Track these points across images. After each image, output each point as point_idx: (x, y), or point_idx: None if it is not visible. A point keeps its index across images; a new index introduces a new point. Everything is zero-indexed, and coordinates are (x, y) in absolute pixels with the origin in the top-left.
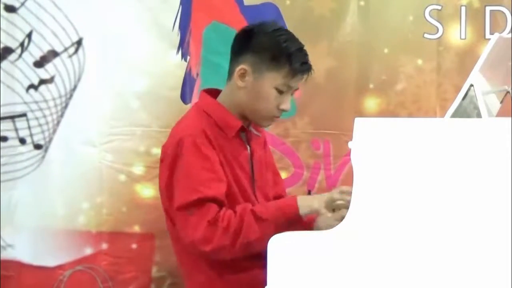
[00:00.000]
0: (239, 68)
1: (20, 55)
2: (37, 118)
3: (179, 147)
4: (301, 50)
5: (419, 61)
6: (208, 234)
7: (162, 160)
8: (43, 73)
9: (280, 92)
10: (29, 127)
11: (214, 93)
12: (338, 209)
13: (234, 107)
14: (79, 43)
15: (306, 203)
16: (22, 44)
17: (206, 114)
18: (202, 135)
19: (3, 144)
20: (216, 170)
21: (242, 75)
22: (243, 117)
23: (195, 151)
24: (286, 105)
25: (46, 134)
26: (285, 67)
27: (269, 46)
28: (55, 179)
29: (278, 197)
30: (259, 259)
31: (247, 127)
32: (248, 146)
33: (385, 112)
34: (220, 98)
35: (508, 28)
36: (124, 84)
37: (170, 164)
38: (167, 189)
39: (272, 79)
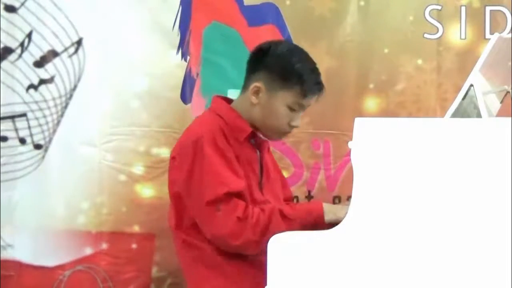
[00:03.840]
0: (253, 85)
1: (20, 55)
2: (37, 118)
3: (199, 143)
4: (313, 70)
5: (419, 61)
6: (237, 230)
7: (176, 156)
8: (43, 73)
9: (292, 110)
10: (29, 127)
11: (227, 100)
12: None
13: (246, 117)
14: (79, 43)
15: (331, 211)
16: (22, 44)
17: (219, 117)
18: (220, 133)
19: (3, 144)
20: (235, 169)
21: (256, 92)
22: (253, 126)
23: (215, 148)
24: (297, 122)
25: (46, 134)
26: (297, 87)
27: (282, 66)
28: (55, 179)
29: (286, 199)
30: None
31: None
32: (257, 151)
33: (385, 112)
34: (233, 105)
35: (508, 28)
36: (124, 84)
37: (191, 160)
38: (187, 185)
39: (284, 98)
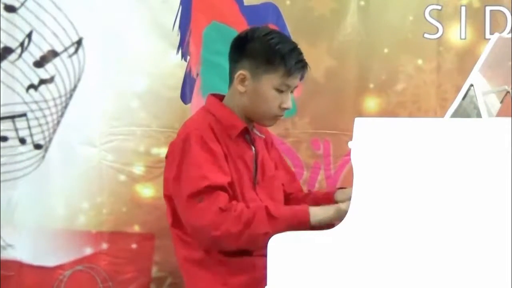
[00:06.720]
0: (237, 74)
1: (20, 55)
2: (37, 118)
3: (187, 140)
4: (294, 49)
5: (419, 61)
6: (218, 220)
7: (168, 155)
8: (43, 73)
9: (280, 91)
10: (29, 127)
11: (220, 97)
12: None
13: (238, 110)
14: (79, 43)
15: (317, 214)
16: (22, 44)
17: (211, 114)
18: (208, 130)
19: (3, 144)
20: (221, 165)
21: (242, 80)
22: (247, 119)
23: (202, 144)
24: (287, 103)
25: (46, 134)
26: (280, 68)
27: (263, 50)
28: (55, 179)
29: (294, 193)
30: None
31: (251, 129)
32: (253, 147)
33: (385, 112)
34: (225, 101)
35: (508, 28)
36: (124, 84)
37: (179, 157)
38: (176, 180)
39: (270, 81)
